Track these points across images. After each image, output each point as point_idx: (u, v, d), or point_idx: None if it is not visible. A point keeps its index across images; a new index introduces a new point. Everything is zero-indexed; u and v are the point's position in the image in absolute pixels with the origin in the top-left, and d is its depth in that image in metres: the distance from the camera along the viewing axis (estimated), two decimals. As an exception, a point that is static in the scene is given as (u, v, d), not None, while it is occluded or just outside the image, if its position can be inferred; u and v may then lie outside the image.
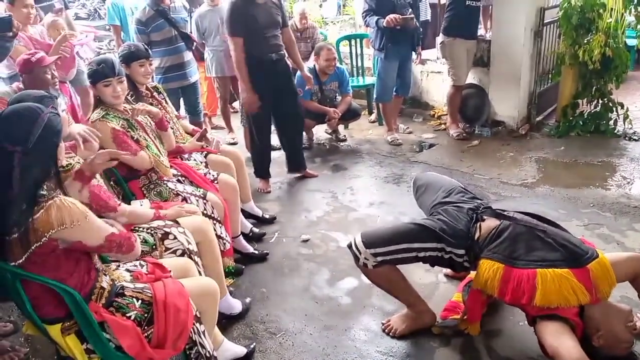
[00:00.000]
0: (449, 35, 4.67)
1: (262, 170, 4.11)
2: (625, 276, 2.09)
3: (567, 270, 1.95)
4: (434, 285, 2.71)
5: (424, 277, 2.75)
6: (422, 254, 2.17)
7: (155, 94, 3.12)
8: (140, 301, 1.79)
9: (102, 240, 1.69)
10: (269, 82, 3.75)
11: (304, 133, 5.07)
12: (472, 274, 2.24)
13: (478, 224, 2.19)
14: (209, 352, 1.91)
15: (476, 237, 2.15)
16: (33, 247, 1.57)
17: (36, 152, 1.60)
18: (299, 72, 4.23)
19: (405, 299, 2.35)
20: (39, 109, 1.65)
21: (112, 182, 2.61)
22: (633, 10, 4.33)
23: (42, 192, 1.60)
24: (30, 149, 1.58)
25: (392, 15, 4.24)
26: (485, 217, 2.21)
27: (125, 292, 1.81)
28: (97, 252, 1.76)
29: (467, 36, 4.65)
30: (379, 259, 2.16)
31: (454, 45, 4.65)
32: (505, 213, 2.22)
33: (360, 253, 2.18)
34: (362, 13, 4.59)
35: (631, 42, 5.27)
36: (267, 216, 3.57)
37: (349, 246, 2.26)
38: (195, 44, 4.48)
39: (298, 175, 4.28)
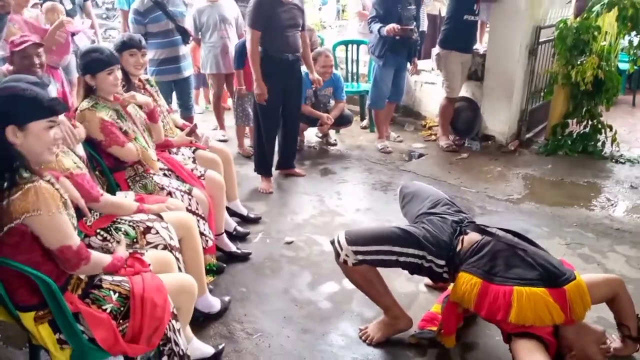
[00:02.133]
0: (445, 47, 4.70)
1: (264, 166, 4.11)
2: (602, 298, 2.12)
3: (543, 290, 1.96)
4: (414, 295, 2.72)
5: (405, 286, 2.75)
6: (402, 259, 2.17)
7: (147, 86, 3.10)
8: (117, 294, 1.77)
9: (56, 245, 1.62)
10: (281, 80, 3.84)
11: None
12: (452, 285, 2.25)
13: (461, 237, 2.20)
14: (182, 349, 1.89)
15: (458, 250, 2.17)
16: (6, 229, 1.54)
17: None
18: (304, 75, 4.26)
19: (381, 302, 2.35)
20: (16, 84, 1.63)
21: (97, 172, 2.59)
22: (628, 36, 4.40)
23: (24, 174, 1.57)
24: None
25: (392, 25, 4.27)
26: (468, 230, 2.23)
27: (103, 284, 1.79)
28: (46, 253, 1.65)
29: (463, 49, 4.68)
30: (360, 257, 2.16)
31: (450, 58, 4.68)
32: (488, 229, 2.24)
33: (342, 249, 2.19)
34: (368, 19, 4.61)
35: (623, 66, 5.33)
36: (252, 216, 3.55)
37: (332, 242, 2.26)
38: (191, 38, 4.46)
39: (285, 172, 4.30)
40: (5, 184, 1.54)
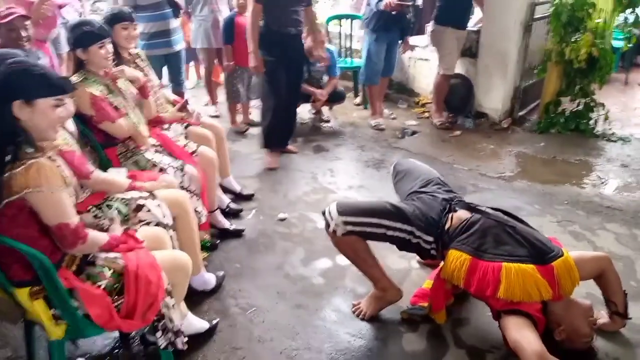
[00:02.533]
0: (440, 23, 4.65)
1: (274, 140, 4.07)
2: (589, 274, 2.16)
3: (531, 267, 2.00)
4: (406, 271, 2.74)
5: (397, 263, 2.77)
6: (390, 233, 2.19)
7: (138, 60, 3.05)
8: (111, 270, 1.77)
9: (55, 222, 1.63)
10: (285, 54, 3.79)
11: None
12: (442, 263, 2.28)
13: (450, 214, 2.23)
14: (176, 325, 1.91)
15: (446, 227, 2.20)
16: (4, 202, 1.54)
17: None
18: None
19: (369, 273, 2.37)
20: (25, 59, 1.64)
21: (88, 148, 2.57)
22: (622, 13, 4.37)
23: (27, 149, 1.57)
24: None
25: (388, 0, 4.20)
26: (457, 208, 2.26)
27: (97, 261, 1.79)
28: (43, 228, 1.66)
29: (459, 26, 4.63)
30: (349, 227, 2.18)
31: (445, 34, 4.63)
32: (477, 207, 2.26)
33: (332, 219, 2.20)
34: None
35: (617, 44, 5.32)
36: (245, 192, 3.54)
37: (323, 212, 2.27)
38: (181, 11, 4.38)
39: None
40: (8, 158, 1.53)
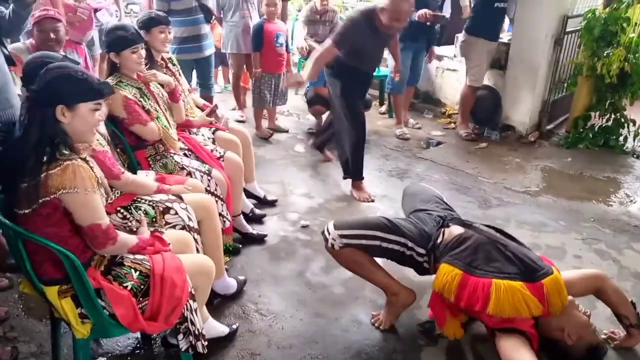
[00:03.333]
0: (472, 34, 4.63)
1: (360, 171, 3.80)
2: (582, 292, 2.22)
3: (521, 284, 2.03)
4: (428, 283, 2.72)
5: (418, 275, 2.75)
6: (385, 245, 2.24)
7: (169, 65, 3.12)
8: (138, 272, 1.81)
9: (87, 223, 1.66)
10: (362, 87, 3.80)
11: (314, 118, 5.09)
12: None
13: (443, 229, 2.30)
14: (198, 329, 1.93)
15: (439, 241, 2.25)
16: (40, 201, 1.59)
17: (40, 99, 1.62)
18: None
19: (376, 281, 2.38)
20: (67, 64, 1.72)
21: (118, 150, 2.63)
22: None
23: (64, 151, 1.62)
24: (36, 91, 1.62)
25: (424, 11, 4.21)
26: (451, 224, 2.32)
27: (125, 262, 1.83)
28: (74, 228, 1.69)
29: (491, 37, 4.61)
30: (345, 240, 2.24)
31: (477, 46, 4.61)
32: (470, 223, 2.32)
33: (329, 234, 2.27)
34: None
35: (651, 59, 5.21)
36: (269, 198, 3.57)
37: (322, 232, 2.34)
38: (213, 17, 4.45)
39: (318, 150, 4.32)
40: (45, 158, 1.59)
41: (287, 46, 4.78)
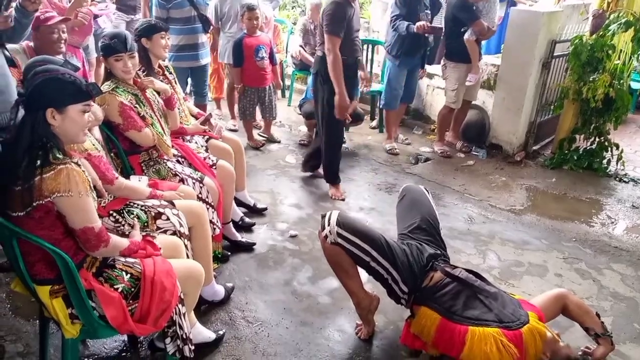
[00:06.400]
0: (449, 59, 4.75)
1: (335, 174, 4.01)
2: (555, 314, 2.31)
3: (497, 330, 2.07)
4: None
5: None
6: (373, 264, 2.25)
7: (166, 72, 3.16)
8: (129, 275, 1.84)
9: (80, 225, 1.70)
10: (349, 83, 3.67)
11: (306, 129, 5.14)
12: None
13: (431, 273, 2.30)
14: (185, 333, 1.97)
15: (424, 284, 2.28)
16: (34, 204, 1.62)
17: (29, 103, 1.66)
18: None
19: (347, 285, 2.39)
20: (56, 68, 1.74)
21: (112, 154, 2.66)
22: (640, 56, 4.43)
23: (57, 155, 1.65)
24: (26, 96, 1.66)
25: (422, 23, 4.29)
26: (438, 268, 2.32)
27: (116, 265, 1.86)
28: (67, 230, 1.73)
29: (466, 61, 4.69)
30: (339, 240, 2.23)
31: (456, 69, 4.71)
32: (454, 272, 2.31)
33: (328, 225, 2.26)
34: (392, 16, 4.56)
35: (636, 85, 5.36)
36: (258, 206, 3.62)
37: (323, 215, 2.33)
38: (211, 27, 4.51)
39: (313, 173, 4.31)
40: (38, 162, 1.62)
41: (272, 59, 4.77)
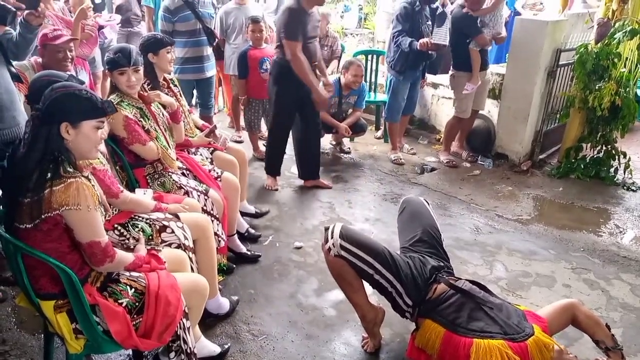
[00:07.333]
0: (457, 69, 4.75)
1: (274, 167, 4.27)
2: (564, 325, 2.27)
3: (502, 342, 2.04)
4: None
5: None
6: (377, 277, 2.23)
7: (171, 85, 3.18)
8: (133, 289, 1.84)
9: (87, 239, 1.71)
10: (301, 89, 3.82)
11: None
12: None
13: (435, 285, 2.28)
14: (190, 347, 1.96)
15: (428, 297, 2.25)
16: (43, 216, 1.63)
17: (45, 117, 1.67)
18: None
19: (352, 298, 2.38)
20: (72, 83, 1.78)
21: (118, 167, 2.67)
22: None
23: (68, 168, 1.66)
24: (41, 109, 1.67)
25: (425, 40, 4.29)
26: (442, 281, 2.30)
27: (121, 279, 1.86)
28: (73, 244, 1.74)
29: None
30: (342, 252, 2.22)
31: (463, 79, 4.70)
32: (457, 284, 2.29)
33: (332, 237, 2.25)
34: (394, 32, 4.56)
35: (642, 93, 5.33)
36: (262, 210, 3.68)
37: (327, 228, 2.31)
38: (217, 40, 4.53)
39: (311, 184, 4.30)
40: (49, 175, 1.63)
41: None
